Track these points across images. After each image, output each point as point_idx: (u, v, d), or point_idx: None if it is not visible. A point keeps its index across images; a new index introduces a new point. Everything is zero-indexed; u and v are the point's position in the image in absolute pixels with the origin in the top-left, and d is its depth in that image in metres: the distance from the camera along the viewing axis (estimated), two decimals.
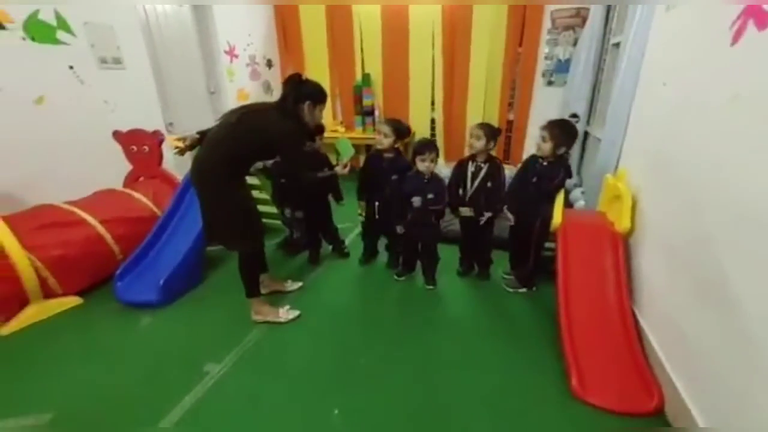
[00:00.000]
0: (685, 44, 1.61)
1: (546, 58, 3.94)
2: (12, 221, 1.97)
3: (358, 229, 2.92)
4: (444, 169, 3.12)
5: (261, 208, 2.10)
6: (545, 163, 2.08)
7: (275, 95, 4.48)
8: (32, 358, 1.80)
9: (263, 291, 2.11)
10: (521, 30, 3.92)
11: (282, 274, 2.44)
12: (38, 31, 2.36)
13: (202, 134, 1.92)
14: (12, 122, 2.29)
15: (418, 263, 2.45)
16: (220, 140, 1.75)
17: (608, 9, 3.02)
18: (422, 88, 4.38)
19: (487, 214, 2.19)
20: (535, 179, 2.10)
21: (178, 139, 1.95)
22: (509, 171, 2.42)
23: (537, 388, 1.62)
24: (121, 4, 2.82)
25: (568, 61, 3.72)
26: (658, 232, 1.70)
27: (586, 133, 3.31)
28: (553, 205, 2.06)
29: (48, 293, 2.06)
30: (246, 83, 4.11)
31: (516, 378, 1.68)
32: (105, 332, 1.98)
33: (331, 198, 2.58)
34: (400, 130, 2.27)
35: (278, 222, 2.47)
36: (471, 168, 2.19)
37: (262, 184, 2.57)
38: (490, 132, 2.11)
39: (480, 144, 2.11)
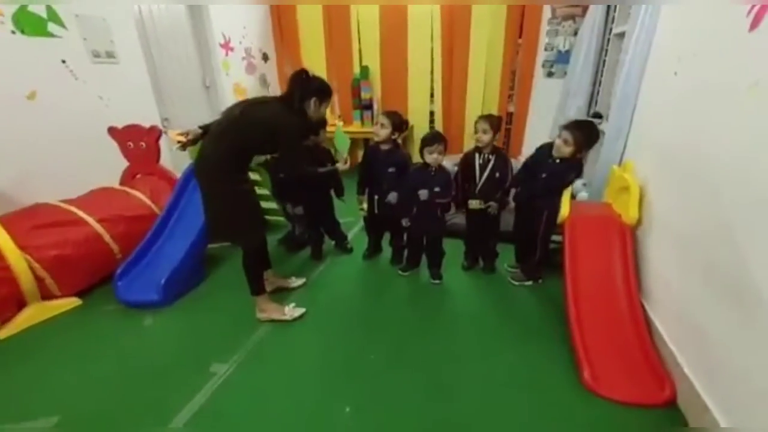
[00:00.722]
0: (698, 33, 1.59)
1: (546, 48, 3.90)
2: (7, 221, 1.92)
3: (361, 224, 2.89)
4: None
5: (263, 203, 2.06)
6: (558, 161, 2.02)
7: (272, 89, 4.45)
8: (33, 361, 1.75)
9: (267, 288, 2.07)
10: (521, 20, 3.88)
11: (285, 271, 2.41)
12: (28, 23, 2.28)
13: (205, 129, 1.88)
14: (4, 118, 2.22)
15: (423, 258, 2.43)
16: (224, 133, 1.73)
17: None
18: (421, 81, 4.34)
19: (494, 204, 2.18)
20: (544, 175, 2.06)
21: (180, 134, 1.91)
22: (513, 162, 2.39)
23: (548, 380, 1.62)
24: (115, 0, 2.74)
25: (568, 52, 3.69)
26: (668, 223, 1.69)
27: None
28: (560, 198, 2.04)
29: (46, 294, 2.02)
30: (242, 77, 4.03)
31: (526, 371, 1.68)
32: (107, 333, 1.94)
33: (333, 193, 2.54)
34: (397, 121, 2.25)
35: (280, 218, 2.43)
36: (479, 160, 2.17)
37: (263, 179, 2.52)
38: (496, 123, 2.11)
39: (487, 137, 2.10)
